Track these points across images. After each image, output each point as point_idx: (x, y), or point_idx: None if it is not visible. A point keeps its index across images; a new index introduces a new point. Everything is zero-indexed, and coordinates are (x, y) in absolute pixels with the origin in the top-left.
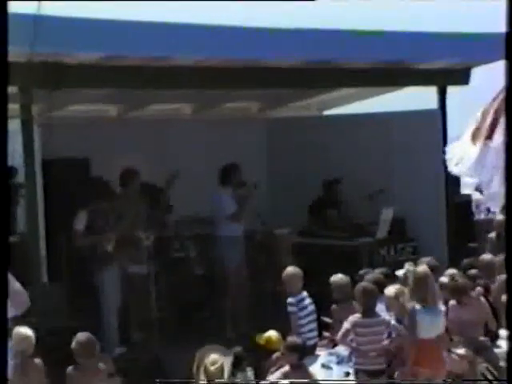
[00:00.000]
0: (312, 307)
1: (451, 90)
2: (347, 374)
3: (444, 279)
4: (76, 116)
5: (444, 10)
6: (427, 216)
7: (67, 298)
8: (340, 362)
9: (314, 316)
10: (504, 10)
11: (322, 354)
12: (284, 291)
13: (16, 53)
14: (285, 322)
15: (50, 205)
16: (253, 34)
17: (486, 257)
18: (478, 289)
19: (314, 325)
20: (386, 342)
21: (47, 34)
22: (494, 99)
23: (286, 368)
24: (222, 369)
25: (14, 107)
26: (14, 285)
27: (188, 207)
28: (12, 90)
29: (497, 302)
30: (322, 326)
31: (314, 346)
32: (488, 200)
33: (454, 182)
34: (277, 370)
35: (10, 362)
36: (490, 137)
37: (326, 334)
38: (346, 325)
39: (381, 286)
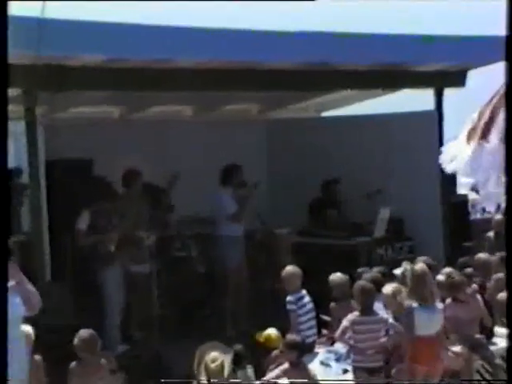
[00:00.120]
0: (311, 305)
1: (448, 92)
2: (345, 371)
3: (441, 277)
4: (79, 117)
5: (444, 11)
6: (424, 215)
7: (70, 297)
8: (338, 359)
9: (313, 314)
10: (504, 10)
11: (321, 352)
12: (283, 289)
13: (20, 55)
14: (284, 320)
15: (54, 205)
16: (252, 37)
17: (483, 256)
18: (474, 286)
19: (313, 323)
20: (383, 340)
21: (51, 36)
22: (490, 100)
23: (286, 365)
24: (222, 366)
25: (18, 109)
26: (28, 286)
27: (189, 207)
28: (16, 92)
29: (492, 300)
30: (320, 324)
31: (313, 344)
32: (484, 200)
33: (450, 182)
34: (276, 367)
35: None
36: (484, 137)
37: (325, 331)
38: (345, 323)
39: (378, 284)
